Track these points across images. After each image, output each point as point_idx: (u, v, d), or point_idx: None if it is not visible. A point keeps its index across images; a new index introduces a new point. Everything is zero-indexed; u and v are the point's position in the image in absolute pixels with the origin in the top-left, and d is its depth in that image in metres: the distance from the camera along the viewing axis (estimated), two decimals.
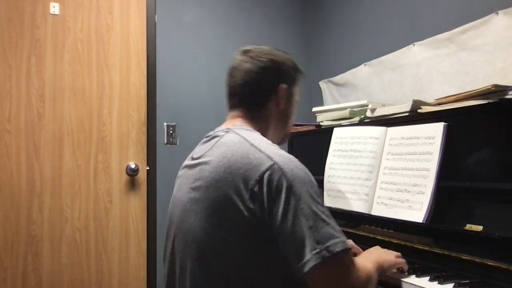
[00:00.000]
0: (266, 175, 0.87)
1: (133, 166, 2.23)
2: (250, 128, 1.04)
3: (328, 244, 0.82)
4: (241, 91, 1.07)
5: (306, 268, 0.81)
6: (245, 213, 0.87)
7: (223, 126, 1.07)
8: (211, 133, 1.07)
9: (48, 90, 2.13)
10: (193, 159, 1.05)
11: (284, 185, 0.86)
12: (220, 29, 2.58)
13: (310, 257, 0.81)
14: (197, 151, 1.06)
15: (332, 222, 0.86)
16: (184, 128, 2.43)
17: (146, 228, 2.27)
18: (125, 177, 2.24)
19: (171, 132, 2.41)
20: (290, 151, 2.13)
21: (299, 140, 2.09)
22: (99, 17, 2.24)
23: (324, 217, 0.85)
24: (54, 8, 2.15)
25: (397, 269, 1.07)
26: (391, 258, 1.06)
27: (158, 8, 2.41)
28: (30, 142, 2.09)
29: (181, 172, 1.10)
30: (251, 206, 0.87)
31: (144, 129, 2.29)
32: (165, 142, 2.40)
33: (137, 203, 2.26)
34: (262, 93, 1.07)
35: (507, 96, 1.13)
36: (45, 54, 2.13)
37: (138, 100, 2.29)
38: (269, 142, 0.98)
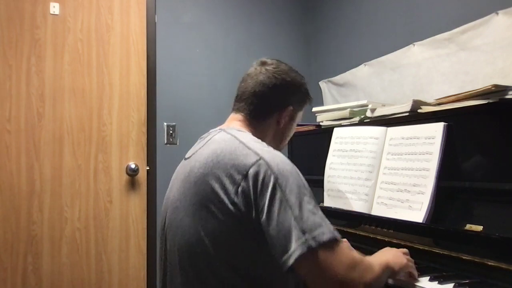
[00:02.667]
0: (252, 170, 0.88)
1: (133, 166, 2.23)
2: (244, 130, 1.06)
3: (315, 233, 0.81)
4: (248, 99, 1.10)
5: (292, 259, 0.80)
6: (230, 206, 0.88)
7: (218, 127, 1.10)
8: (205, 134, 1.11)
9: (48, 90, 2.13)
10: (185, 159, 1.09)
11: (271, 178, 0.87)
12: (220, 29, 2.58)
13: (296, 247, 0.80)
14: (190, 151, 1.10)
15: (319, 212, 0.86)
16: (184, 128, 2.43)
17: (146, 228, 2.27)
18: (125, 177, 2.24)
19: (171, 132, 2.41)
20: (290, 151, 2.13)
21: (299, 140, 2.08)
22: (99, 17, 2.24)
23: (310, 207, 0.85)
24: (54, 8, 2.15)
25: (409, 274, 1.04)
26: (403, 261, 1.02)
27: (158, 8, 2.41)
28: (30, 142, 2.09)
29: (175, 173, 1.13)
30: (235, 200, 0.88)
31: (144, 129, 2.29)
32: (165, 142, 2.40)
33: (137, 203, 2.26)
34: (267, 107, 1.11)
35: (507, 96, 1.13)
36: (45, 54, 2.13)
37: (138, 100, 2.29)
38: (258, 140, 1.00)
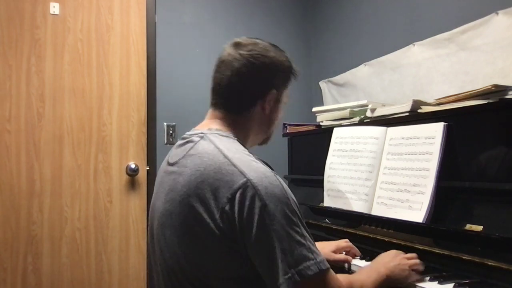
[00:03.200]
0: (238, 194, 0.82)
1: (133, 166, 2.23)
2: (227, 133, 0.98)
3: (300, 267, 0.80)
4: (226, 92, 1.00)
5: None
6: (216, 230, 0.83)
7: (199, 127, 1.02)
8: (186, 134, 1.01)
9: (48, 90, 2.13)
10: (168, 164, 1.01)
11: (257, 204, 0.81)
12: (220, 29, 2.58)
13: (282, 282, 0.79)
14: (172, 155, 1.01)
15: (307, 242, 0.83)
16: (184, 128, 2.40)
17: (146, 228, 2.26)
18: (125, 177, 2.24)
19: (171, 132, 2.41)
20: (290, 151, 2.13)
21: (299, 140, 2.09)
22: (99, 17, 2.24)
23: (298, 237, 0.82)
24: (54, 8, 2.15)
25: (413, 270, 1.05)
26: (403, 269, 1.02)
27: (158, 8, 2.41)
28: (30, 142, 2.09)
29: (158, 176, 1.05)
30: (221, 224, 0.83)
31: (144, 129, 2.29)
32: (165, 142, 2.40)
33: (137, 203, 2.26)
34: (248, 98, 1.00)
35: (507, 96, 1.13)
36: (45, 54, 2.13)
37: (138, 100, 2.29)
38: (245, 152, 0.92)
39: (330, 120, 1.83)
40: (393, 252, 1.11)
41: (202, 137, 0.95)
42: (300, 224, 0.84)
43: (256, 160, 0.90)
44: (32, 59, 2.11)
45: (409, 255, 1.09)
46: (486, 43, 1.55)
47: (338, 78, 2.45)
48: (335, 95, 2.49)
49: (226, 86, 0.99)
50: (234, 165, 0.86)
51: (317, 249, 0.85)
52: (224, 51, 1.02)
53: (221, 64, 1.01)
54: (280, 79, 1.04)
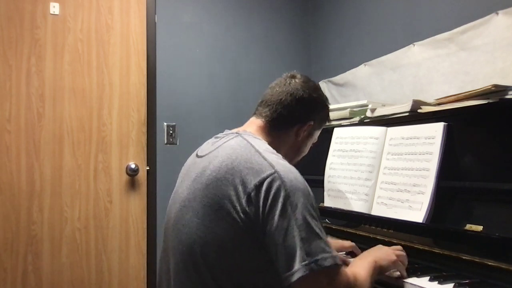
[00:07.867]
0: (265, 182, 0.89)
1: (133, 166, 2.23)
2: (260, 138, 1.06)
3: (318, 257, 0.84)
4: (274, 106, 1.10)
5: (294, 278, 0.83)
6: (241, 214, 0.89)
7: (235, 129, 1.11)
8: (221, 134, 1.11)
9: (48, 90, 2.13)
10: (197, 156, 1.08)
11: (282, 194, 0.87)
12: (220, 29, 2.58)
13: (298, 268, 0.83)
14: (203, 149, 1.09)
15: (324, 237, 0.88)
16: (184, 128, 2.43)
17: (146, 228, 2.27)
18: (125, 177, 2.24)
19: (171, 132, 2.41)
20: None
21: None
22: (99, 17, 2.24)
23: (317, 230, 0.87)
24: (54, 8, 2.15)
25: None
26: (391, 258, 1.04)
27: (158, 8, 2.41)
28: (30, 142, 2.09)
29: (184, 169, 1.13)
30: (247, 209, 0.89)
31: (144, 129, 2.29)
32: (165, 142, 2.40)
33: (137, 203, 2.26)
34: (290, 118, 1.11)
35: (507, 96, 1.13)
36: (45, 54, 2.13)
37: (138, 100, 2.29)
38: (274, 151, 1.00)
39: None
40: (380, 246, 1.12)
41: (236, 136, 1.04)
42: (318, 220, 0.90)
43: (283, 159, 0.97)
44: (32, 59, 2.11)
45: (395, 247, 1.11)
46: (486, 43, 1.55)
47: (338, 78, 2.45)
48: (335, 95, 2.49)
49: (276, 100, 1.11)
50: (264, 158, 0.94)
51: (331, 246, 0.89)
52: (280, 78, 1.17)
53: (275, 85, 1.15)
54: (320, 116, 1.17)
